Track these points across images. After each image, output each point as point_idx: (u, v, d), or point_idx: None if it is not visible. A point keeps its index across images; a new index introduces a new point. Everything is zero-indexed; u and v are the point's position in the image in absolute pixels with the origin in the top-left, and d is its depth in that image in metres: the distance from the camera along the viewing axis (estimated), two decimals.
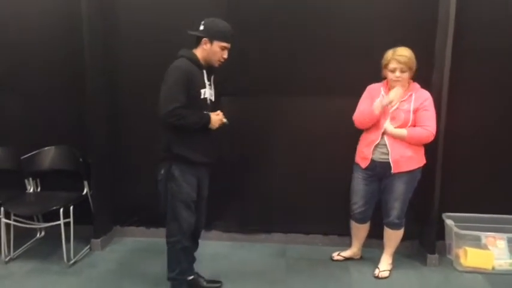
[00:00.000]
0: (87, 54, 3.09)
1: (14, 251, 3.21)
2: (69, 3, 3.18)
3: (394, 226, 2.94)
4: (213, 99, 2.60)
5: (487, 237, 3.06)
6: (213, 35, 2.46)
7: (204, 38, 2.47)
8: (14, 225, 3.18)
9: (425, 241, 3.19)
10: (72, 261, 3.12)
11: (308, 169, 3.32)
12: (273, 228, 3.47)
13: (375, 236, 3.14)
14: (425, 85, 2.90)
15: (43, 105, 3.37)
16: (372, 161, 2.85)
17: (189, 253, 2.69)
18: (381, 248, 3.09)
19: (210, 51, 2.48)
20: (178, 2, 3.16)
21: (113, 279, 2.94)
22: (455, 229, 3.06)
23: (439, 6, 2.97)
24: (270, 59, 3.20)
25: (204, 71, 2.52)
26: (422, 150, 2.85)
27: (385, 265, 3.03)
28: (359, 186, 2.96)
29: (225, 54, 2.52)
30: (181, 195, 2.52)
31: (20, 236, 3.28)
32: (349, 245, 3.23)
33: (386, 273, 2.99)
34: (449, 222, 3.13)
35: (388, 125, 2.79)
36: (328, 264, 3.15)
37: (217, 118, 2.53)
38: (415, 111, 2.76)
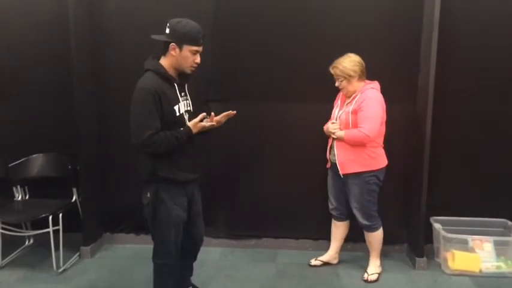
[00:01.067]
0: (74, 60, 3.08)
1: (2, 259, 3.18)
2: (55, 7, 3.17)
3: (365, 228, 2.99)
4: (191, 110, 2.40)
5: (474, 240, 3.10)
6: (181, 39, 2.19)
7: (172, 43, 2.20)
8: (3, 234, 3.16)
9: (414, 245, 3.22)
10: (61, 269, 3.10)
11: (297, 174, 3.33)
12: (263, 233, 3.48)
13: (364, 240, 3.15)
14: (411, 88, 2.95)
15: (30, 112, 3.35)
16: (331, 161, 2.97)
17: (176, 275, 2.48)
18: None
19: (180, 57, 2.22)
20: (165, 4, 3.15)
21: (103, 287, 2.93)
22: (443, 232, 3.09)
23: (424, 9, 3.00)
24: (259, 65, 3.22)
25: (175, 85, 2.28)
26: (370, 154, 2.82)
27: (373, 268, 3.05)
28: (329, 182, 3.09)
29: (197, 59, 2.26)
30: (172, 218, 2.32)
31: (8, 244, 3.25)
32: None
33: (375, 277, 3.01)
34: (437, 225, 3.16)
35: (329, 126, 2.90)
36: (318, 269, 3.16)
37: (193, 125, 2.29)
38: (353, 112, 2.81)
